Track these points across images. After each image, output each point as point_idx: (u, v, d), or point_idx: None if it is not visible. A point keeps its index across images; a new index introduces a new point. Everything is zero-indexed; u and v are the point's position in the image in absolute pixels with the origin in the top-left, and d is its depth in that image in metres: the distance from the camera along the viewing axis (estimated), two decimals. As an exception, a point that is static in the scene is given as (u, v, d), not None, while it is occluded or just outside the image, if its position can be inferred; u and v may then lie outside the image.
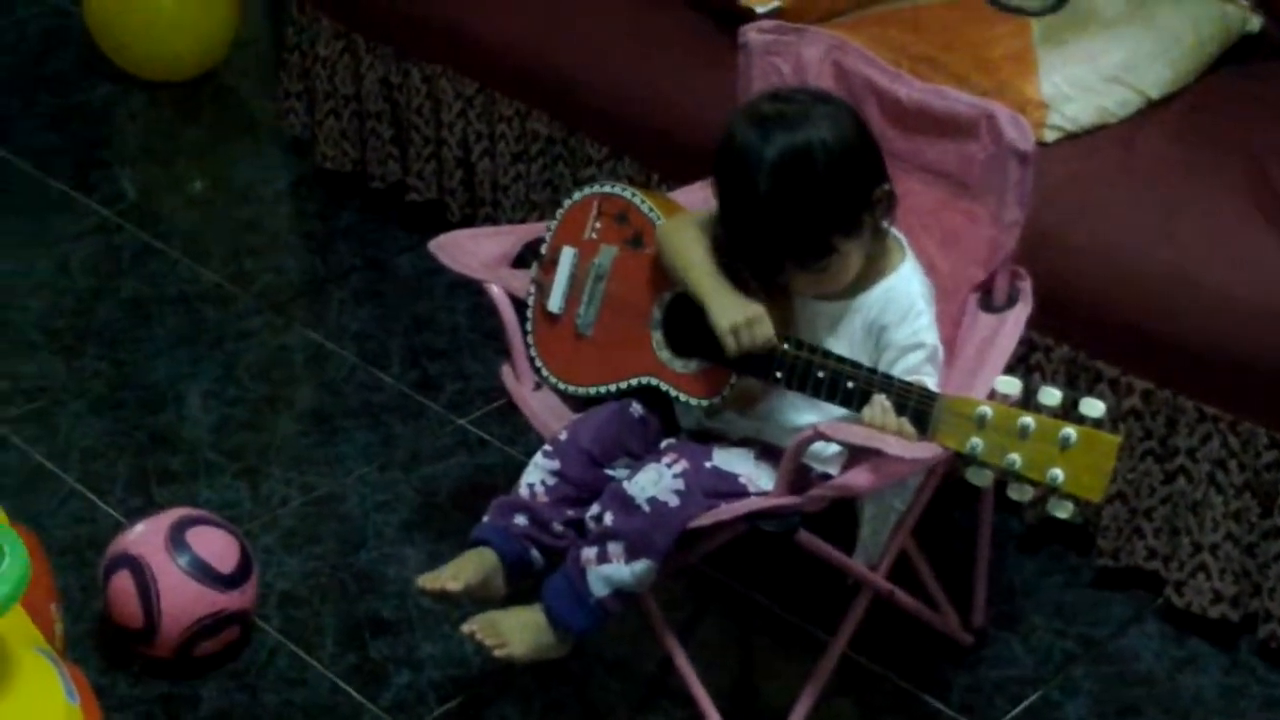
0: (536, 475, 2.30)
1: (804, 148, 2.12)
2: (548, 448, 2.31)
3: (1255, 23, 2.91)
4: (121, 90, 3.95)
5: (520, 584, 2.29)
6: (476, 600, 2.27)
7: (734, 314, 2.17)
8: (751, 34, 2.51)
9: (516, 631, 2.24)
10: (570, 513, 2.28)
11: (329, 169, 3.52)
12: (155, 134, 3.84)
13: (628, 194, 2.37)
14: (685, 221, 2.29)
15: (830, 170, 2.13)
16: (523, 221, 3.16)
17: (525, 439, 2.64)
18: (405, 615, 2.58)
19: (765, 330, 2.17)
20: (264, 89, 3.89)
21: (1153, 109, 2.75)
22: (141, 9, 3.85)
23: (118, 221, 3.49)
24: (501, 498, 2.31)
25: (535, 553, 2.28)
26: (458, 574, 2.24)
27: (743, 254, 2.19)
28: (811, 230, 2.13)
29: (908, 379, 2.16)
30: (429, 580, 2.25)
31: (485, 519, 2.31)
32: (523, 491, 2.29)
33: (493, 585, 2.27)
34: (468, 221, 3.29)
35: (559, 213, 2.42)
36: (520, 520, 2.28)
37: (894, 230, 2.27)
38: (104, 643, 2.51)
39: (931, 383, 2.19)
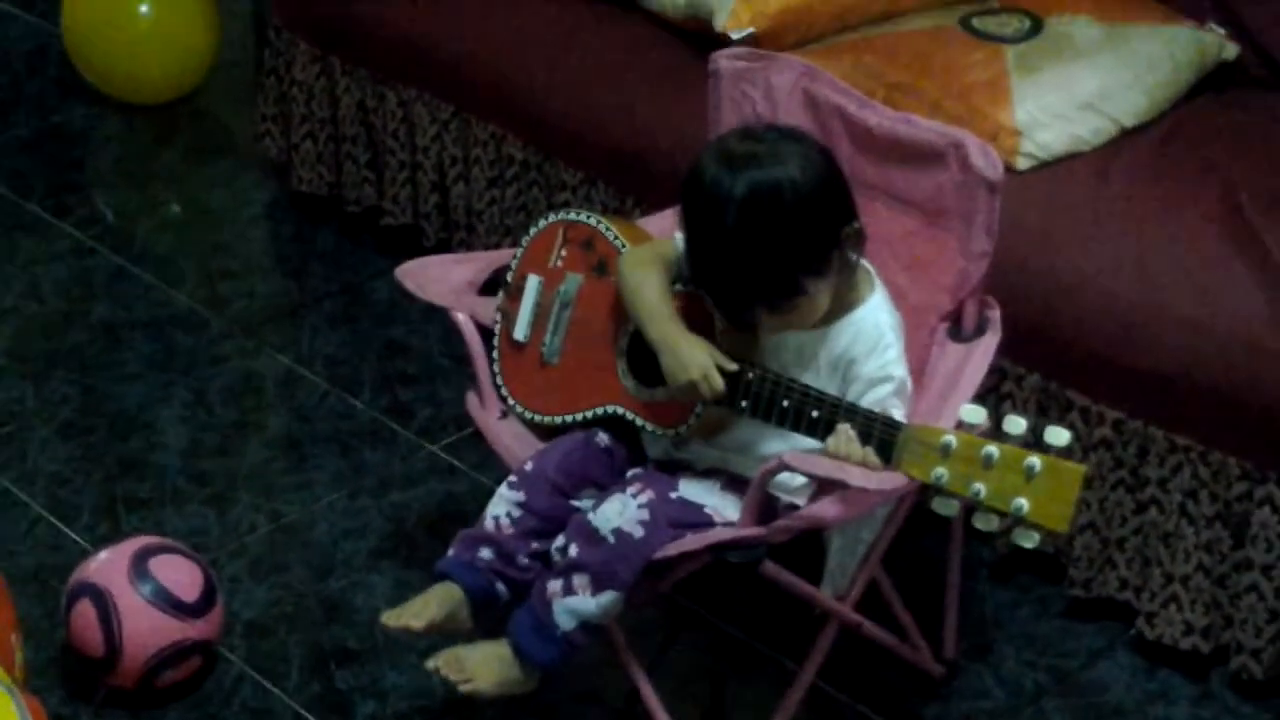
0: (502, 508, 2.28)
1: (772, 186, 2.10)
2: (513, 478, 2.29)
3: (1231, 50, 2.90)
4: (98, 113, 3.94)
5: (486, 617, 2.27)
6: (441, 635, 2.26)
7: (685, 372, 2.16)
8: (722, 61, 2.50)
9: (482, 667, 2.22)
10: (535, 545, 2.26)
11: (305, 192, 3.51)
12: (131, 157, 3.83)
13: (593, 221, 2.36)
14: (644, 257, 2.27)
15: (799, 210, 2.11)
16: (497, 246, 3.15)
17: (496, 466, 2.61)
18: (372, 644, 2.56)
19: (715, 384, 2.16)
20: (242, 112, 3.87)
21: (1127, 137, 2.74)
22: (119, 32, 3.84)
23: (91, 244, 3.47)
24: (466, 531, 2.30)
25: (501, 586, 2.27)
26: (421, 611, 2.23)
27: (709, 293, 2.18)
28: (779, 270, 2.12)
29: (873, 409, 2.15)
30: (392, 618, 2.24)
31: (450, 552, 2.29)
32: (488, 524, 2.28)
33: (458, 619, 2.26)
34: (443, 245, 3.28)
35: (524, 240, 2.41)
36: (485, 554, 2.27)
37: (864, 261, 2.26)
38: (67, 672, 2.49)
39: (898, 415, 2.18)
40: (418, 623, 2.22)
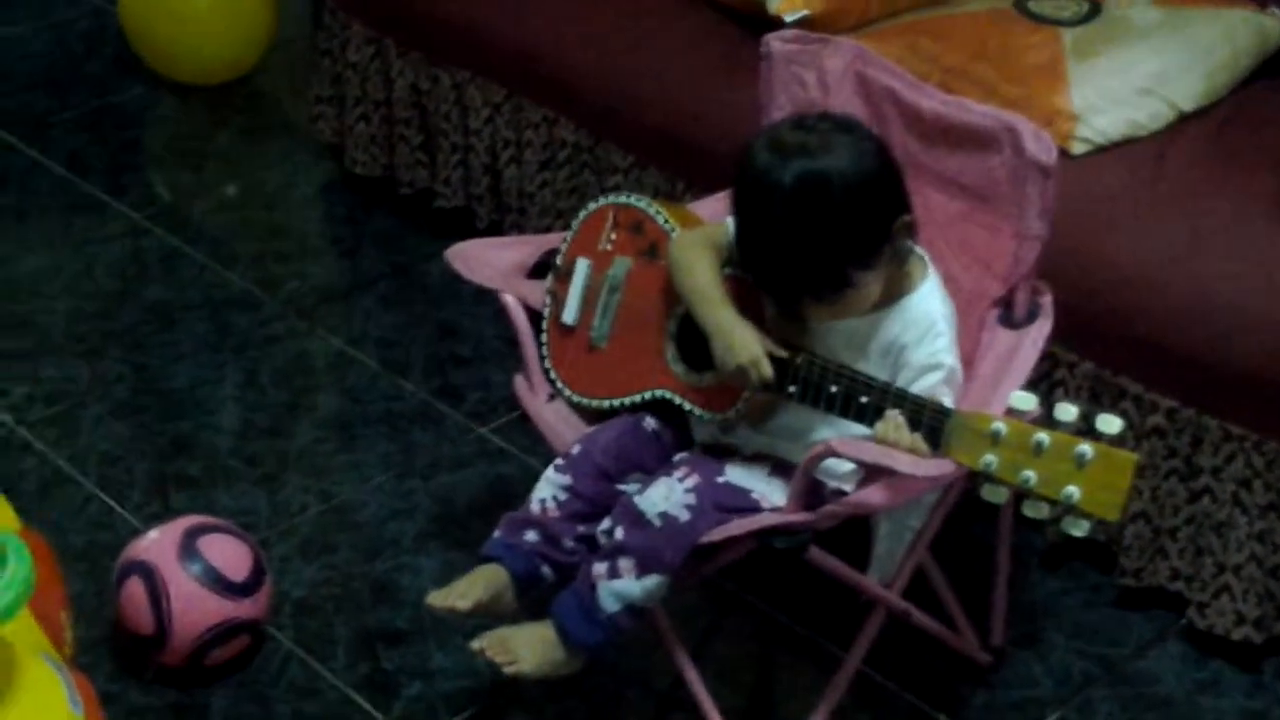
0: (548, 490, 2.28)
1: (822, 178, 2.09)
2: (559, 462, 2.29)
3: (1292, 35, 2.87)
4: (155, 93, 3.95)
5: (531, 599, 2.27)
6: (486, 616, 2.26)
7: (734, 357, 2.15)
8: (774, 43, 2.48)
9: (527, 648, 2.22)
10: (581, 528, 2.26)
11: (359, 174, 3.51)
12: (187, 137, 3.85)
13: (643, 204, 2.35)
14: (697, 238, 2.26)
15: (848, 202, 2.09)
16: (549, 228, 3.15)
17: (544, 449, 2.61)
18: (418, 626, 2.56)
19: (764, 372, 2.14)
20: (298, 93, 3.88)
21: (1184, 122, 2.71)
22: (176, 12, 3.85)
23: (146, 225, 3.49)
24: (512, 513, 2.30)
25: (546, 569, 2.27)
26: (467, 592, 2.23)
27: (758, 282, 2.17)
28: (827, 262, 2.10)
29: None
30: (438, 598, 2.25)
31: (496, 534, 2.29)
32: (534, 507, 2.28)
33: (503, 601, 2.26)
34: (494, 228, 3.28)
35: (575, 223, 2.41)
36: (531, 536, 2.27)
37: (916, 248, 2.24)
38: (117, 649, 2.51)
39: (948, 402, 2.16)
40: (463, 604, 2.22)
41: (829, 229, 2.09)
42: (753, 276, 2.18)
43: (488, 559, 2.28)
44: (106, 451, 2.90)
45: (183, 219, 3.53)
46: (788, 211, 2.09)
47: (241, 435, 2.94)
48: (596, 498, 2.26)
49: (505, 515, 2.30)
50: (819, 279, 2.11)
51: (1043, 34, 2.78)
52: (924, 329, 2.21)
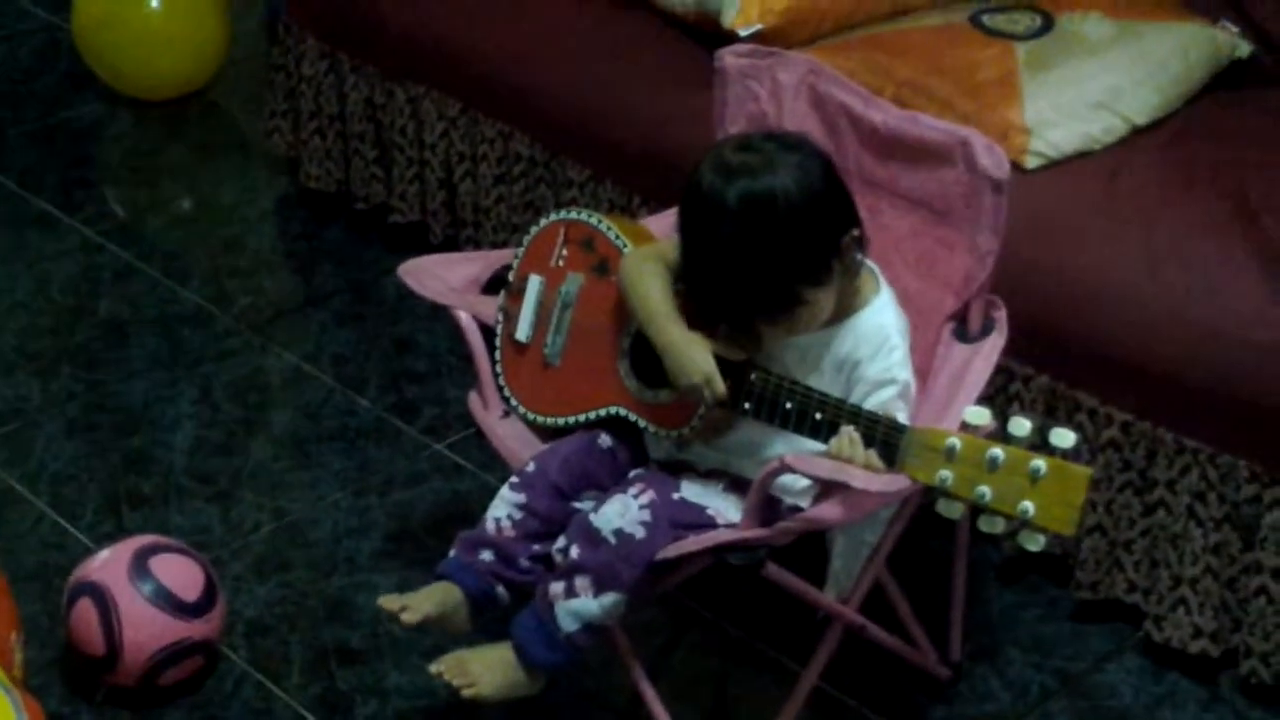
0: (503, 509, 2.27)
1: (766, 197, 2.08)
2: (514, 480, 2.28)
3: (1245, 48, 2.88)
4: (109, 108, 3.93)
5: (485, 620, 2.26)
6: (434, 633, 2.25)
7: (686, 374, 2.14)
8: (727, 58, 2.48)
9: (485, 671, 2.21)
10: (537, 547, 2.25)
11: (314, 189, 3.50)
12: (141, 153, 3.83)
13: (593, 220, 2.34)
14: (647, 255, 2.25)
15: (793, 220, 2.09)
16: (505, 243, 3.14)
17: (501, 465, 2.60)
18: (374, 644, 2.55)
19: (716, 389, 2.14)
20: (253, 108, 3.86)
21: (1138, 136, 2.71)
22: (129, 27, 3.83)
23: (99, 241, 3.46)
24: (466, 533, 2.28)
25: (501, 589, 2.25)
26: (417, 606, 2.21)
27: (707, 308, 2.15)
28: (775, 282, 2.10)
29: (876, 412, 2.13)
30: (388, 601, 2.23)
31: (451, 554, 2.28)
32: (489, 526, 2.26)
33: (456, 620, 2.24)
34: (450, 242, 3.27)
35: (525, 239, 2.40)
36: (486, 556, 2.25)
37: (868, 262, 2.24)
38: (68, 671, 2.49)
39: (902, 418, 2.16)
40: (409, 617, 2.21)
41: (775, 248, 2.09)
42: (700, 301, 2.16)
43: (442, 578, 2.26)
44: (59, 470, 2.87)
45: (136, 235, 3.51)
46: (733, 232, 2.09)
47: (195, 452, 2.91)
48: (551, 516, 2.25)
49: (460, 534, 2.29)
50: (769, 299, 2.11)
51: (996, 48, 2.79)
52: (877, 344, 2.21)
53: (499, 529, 2.26)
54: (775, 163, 2.10)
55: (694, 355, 2.15)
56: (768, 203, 2.08)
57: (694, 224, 2.14)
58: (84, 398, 3.04)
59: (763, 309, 2.12)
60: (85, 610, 2.38)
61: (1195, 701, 2.47)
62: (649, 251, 2.27)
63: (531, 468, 2.28)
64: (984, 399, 2.24)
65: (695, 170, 2.14)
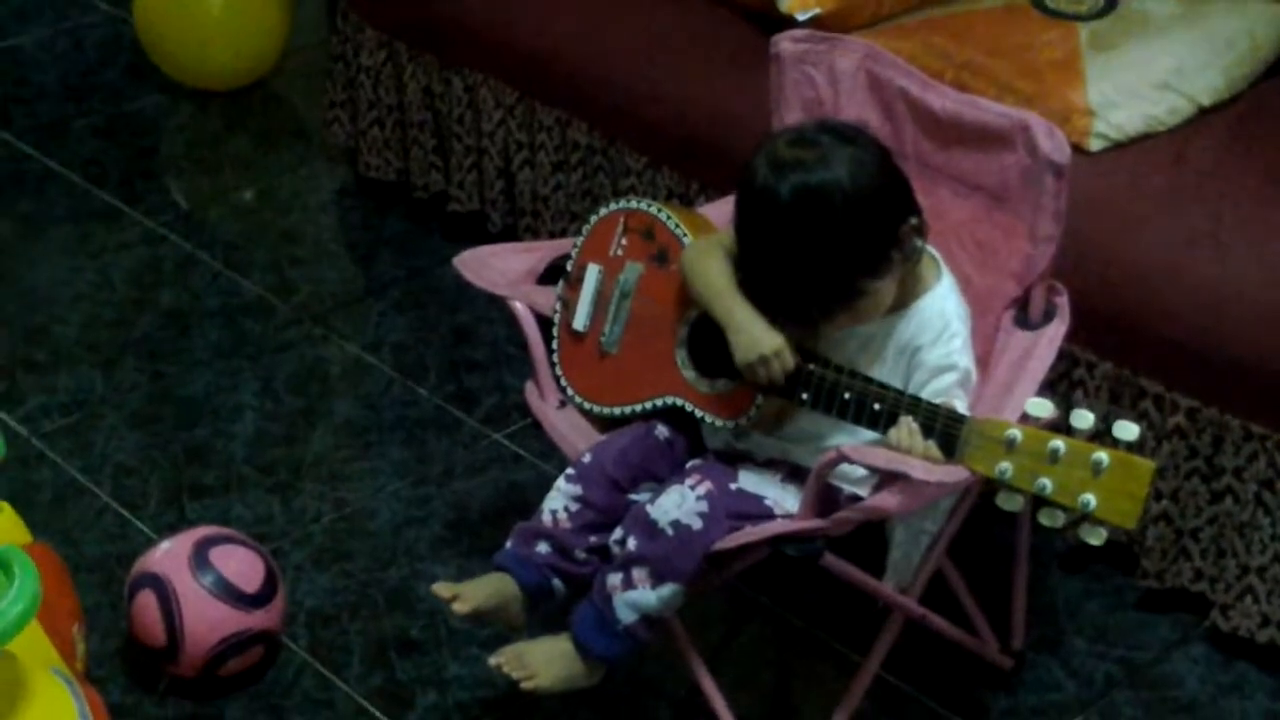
0: (559, 501, 2.26)
1: (821, 193, 2.06)
2: (570, 472, 2.27)
3: (1313, 26, 2.83)
4: (171, 100, 3.95)
5: (541, 612, 2.25)
6: (487, 623, 2.24)
7: (756, 347, 2.12)
8: (784, 44, 2.46)
9: (544, 663, 2.20)
10: (593, 539, 2.24)
11: (373, 178, 3.50)
12: (203, 144, 3.84)
13: (654, 209, 2.33)
14: (710, 244, 2.24)
15: (849, 213, 2.06)
16: (563, 232, 3.13)
17: (559, 455, 2.60)
18: (433, 635, 2.55)
19: (786, 362, 2.12)
20: (313, 98, 3.87)
21: (1204, 117, 2.68)
22: (190, 19, 3.84)
23: (161, 232, 3.48)
24: (523, 524, 2.28)
25: (557, 581, 2.25)
26: (470, 596, 2.21)
27: (764, 302, 2.13)
28: (835, 276, 2.08)
29: (936, 401, 2.10)
30: (442, 588, 2.23)
31: (508, 545, 2.27)
32: (545, 518, 2.26)
33: (511, 612, 2.24)
34: (509, 231, 3.26)
35: (585, 228, 2.39)
36: (542, 548, 2.25)
37: (929, 248, 2.21)
38: (131, 661, 2.50)
39: (961, 406, 2.13)
40: (461, 607, 2.20)
41: (832, 243, 2.07)
42: (757, 296, 2.14)
43: (498, 569, 2.26)
44: (121, 461, 2.89)
45: (198, 225, 3.52)
46: (788, 229, 2.07)
47: (256, 443, 2.92)
48: (608, 508, 2.24)
49: (517, 526, 2.28)
50: (827, 293, 2.09)
51: (1059, 29, 2.76)
52: (938, 330, 2.18)
53: (555, 521, 2.25)
54: (829, 156, 2.08)
55: (763, 329, 2.13)
56: (823, 198, 2.06)
57: (749, 220, 2.12)
58: (146, 389, 3.06)
59: (821, 303, 2.10)
60: (146, 601, 2.39)
61: (1264, 691, 2.44)
62: (711, 241, 2.25)
63: (588, 459, 2.27)
64: (1046, 386, 2.22)
65: (748, 165, 2.12)
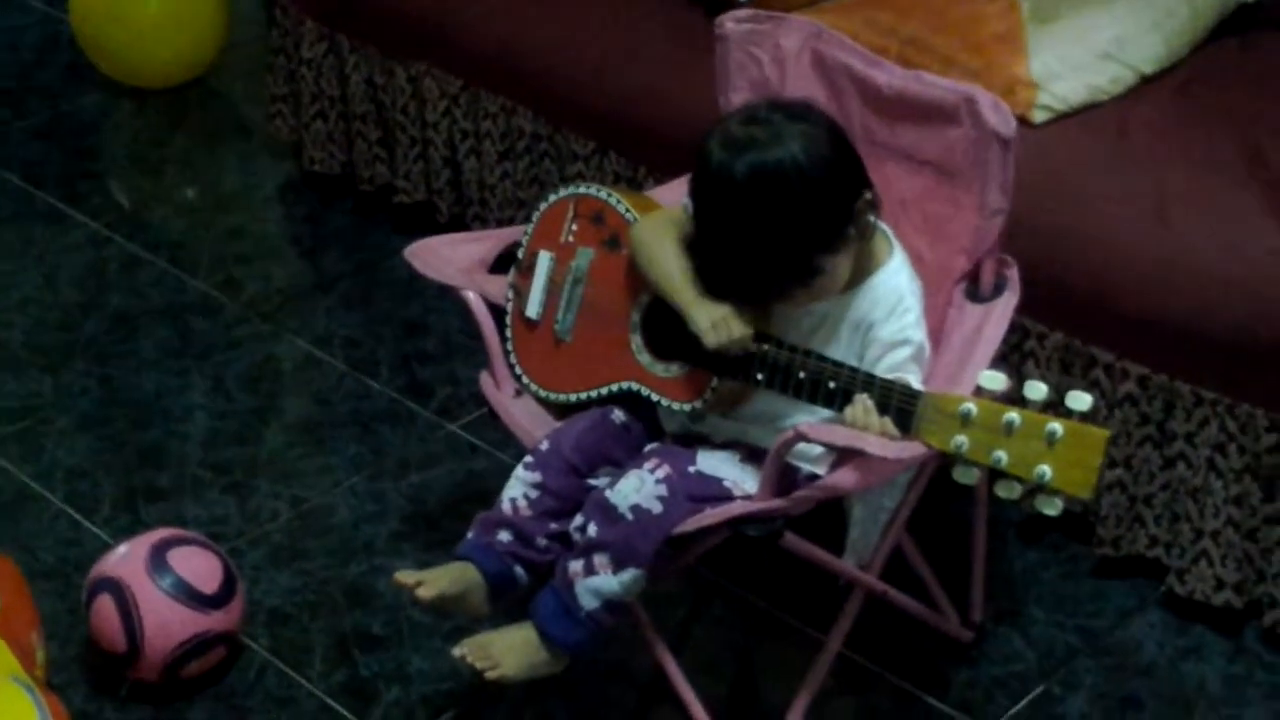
0: (518, 489, 2.25)
1: (776, 170, 2.06)
2: (529, 459, 2.27)
3: (1250, -8, 2.85)
4: (110, 98, 3.92)
5: (504, 601, 2.25)
6: (449, 611, 2.23)
7: (710, 311, 2.12)
8: (729, 24, 2.46)
9: (508, 652, 2.20)
10: (554, 525, 2.24)
11: (317, 172, 3.48)
12: (144, 143, 3.81)
13: (603, 194, 2.33)
14: (656, 222, 2.24)
15: (805, 190, 2.07)
16: (511, 220, 3.13)
17: (516, 444, 2.60)
18: (395, 630, 2.54)
19: (740, 324, 2.12)
20: (254, 93, 3.85)
21: (1146, 85, 2.69)
22: (128, 17, 3.81)
23: (106, 233, 3.45)
24: (484, 514, 2.27)
25: (519, 569, 2.24)
26: (433, 583, 2.20)
27: (721, 282, 2.13)
28: (793, 253, 2.08)
29: (890, 377, 2.11)
30: (404, 576, 2.22)
31: (469, 535, 2.27)
32: (505, 507, 2.25)
33: (474, 602, 2.23)
34: (456, 221, 3.25)
35: (535, 215, 2.38)
36: (504, 536, 2.24)
37: (881, 224, 2.22)
38: (91, 667, 2.48)
39: (915, 380, 2.14)
40: (425, 593, 2.19)
41: (790, 220, 2.07)
42: (715, 277, 2.14)
43: (460, 559, 2.26)
44: (73, 466, 2.87)
45: (142, 225, 3.50)
46: (745, 208, 2.07)
47: (209, 443, 2.91)
48: (567, 494, 2.24)
49: (478, 515, 2.28)
50: (786, 271, 2.09)
51: (1000, 3, 2.77)
52: (892, 305, 2.19)
53: (515, 509, 2.25)
54: (782, 134, 2.08)
55: (719, 308, 2.13)
56: (778, 175, 2.06)
57: (705, 201, 2.12)
58: (96, 392, 3.04)
59: (780, 282, 2.10)
60: (105, 606, 2.38)
61: (1220, 654, 2.46)
62: (658, 217, 2.25)
63: (545, 446, 2.27)
64: (999, 358, 2.23)
65: (702, 146, 2.11)
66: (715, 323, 2.12)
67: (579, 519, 2.19)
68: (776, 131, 2.08)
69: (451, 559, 2.28)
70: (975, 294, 2.28)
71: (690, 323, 2.15)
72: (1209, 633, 2.48)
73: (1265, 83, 2.69)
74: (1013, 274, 2.30)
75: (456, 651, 2.21)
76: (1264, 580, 2.42)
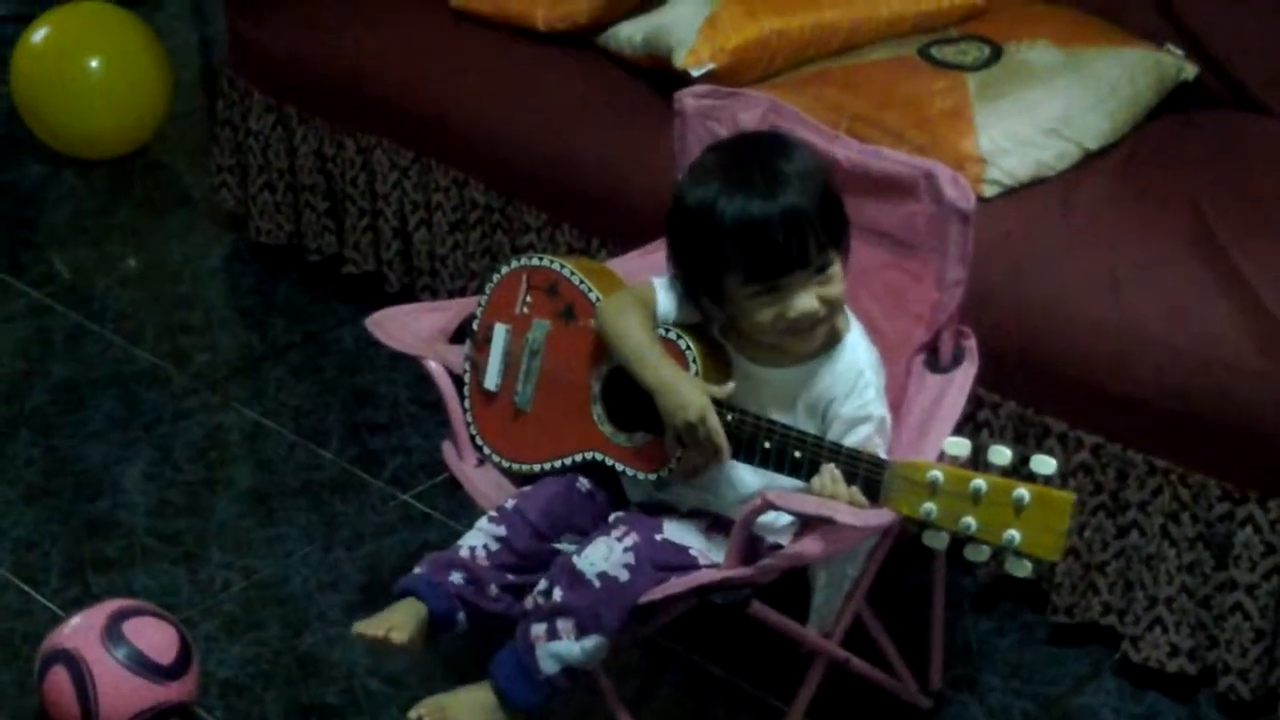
0: (479, 539, 2.25)
1: (794, 142, 2.24)
2: (493, 514, 2.27)
3: (1190, 71, 2.91)
4: (52, 169, 3.90)
5: (434, 642, 2.25)
6: (381, 653, 2.23)
7: (686, 408, 2.14)
8: (687, 100, 2.49)
9: (465, 713, 2.19)
10: (510, 578, 2.23)
11: (264, 242, 3.48)
12: (86, 213, 3.79)
13: (556, 265, 2.34)
14: (624, 302, 2.25)
15: (817, 163, 2.21)
16: (462, 290, 3.13)
17: (470, 513, 2.59)
18: (351, 699, 2.52)
19: (714, 424, 2.14)
20: (197, 163, 3.84)
21: (1091, 160, 2.74)
22: (69, 87, 3.80)
23: (48, 303, 3.43)
24: (436, 554, 2.27)
25: (461, 615, 2.23)
26: (399, 625, 2.19)
27: (760, 262, 2.13)
28: (830, 211, 2.15)
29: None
30: (368, 627, 2.20)
31: (417, 570, 2.25)
32: (463, 552, 2.25)
33: (414, 640, 2.22)
34: (406, 292, 3.25)
35: (487, 288, 2.39)
36: (456, 578, 2.23)
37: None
38: (42, 740, 2.45)
39: (881, 453, 2.16)
40: (399, 636, 2.18)
41: (826, 184, 2.17)
42: (704, 276, 2.17)
43: (405, 592, 2.23)
44: (20, 536, 2.83)
45: (86, 295, 3.48)
46: (792, 169, 2.15)
47: (158, 513, 2.88)
48: (530, 554, 2.24)
49: (430, 554, 2.27)
50: (826, 222, 2.14)
51: (947, 79, 2.81)
52: (851, 381, 2.21)
53: (473, 556, 2.24)
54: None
55: (691, 392, 2.14)
56: (801, 145, 2.23)
57: (735, 175, 2.15)
58: (41, 462, 3.00)
59: (819, 240, 2.13)
60: (59, 679, 2.34)
61: (1175, 719, 2.48)
62: (625, 297, 2.26)
63: (511, 505, 2.27)
64: (954, 428, 2.25)
65: (697, 167, 2.21)
66: (690, 426, 2.14)
67: (543, 583, 2.19)
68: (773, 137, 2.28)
69: (397, 593, 2.26)
70: (935, 364, 2.31)
71: (664, 412, 2.16)
72: (1163, 699, 2.50)
73: (1207, 157, 2.74)
74: (971, 344, 2.33)
75: (413, 714, 2.19)
76: (1217, 646, 2.46)
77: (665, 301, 2.24)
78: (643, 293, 2.25)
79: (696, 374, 2.19)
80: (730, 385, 2.17)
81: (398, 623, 2.20)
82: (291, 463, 3.00)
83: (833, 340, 2.22)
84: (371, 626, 2.21)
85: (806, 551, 2.10)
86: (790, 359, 2.21)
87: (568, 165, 2.94)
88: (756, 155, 2.17)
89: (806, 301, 2.14)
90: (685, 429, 2.14)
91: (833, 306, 2.17)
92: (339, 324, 3.31)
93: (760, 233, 2.11)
